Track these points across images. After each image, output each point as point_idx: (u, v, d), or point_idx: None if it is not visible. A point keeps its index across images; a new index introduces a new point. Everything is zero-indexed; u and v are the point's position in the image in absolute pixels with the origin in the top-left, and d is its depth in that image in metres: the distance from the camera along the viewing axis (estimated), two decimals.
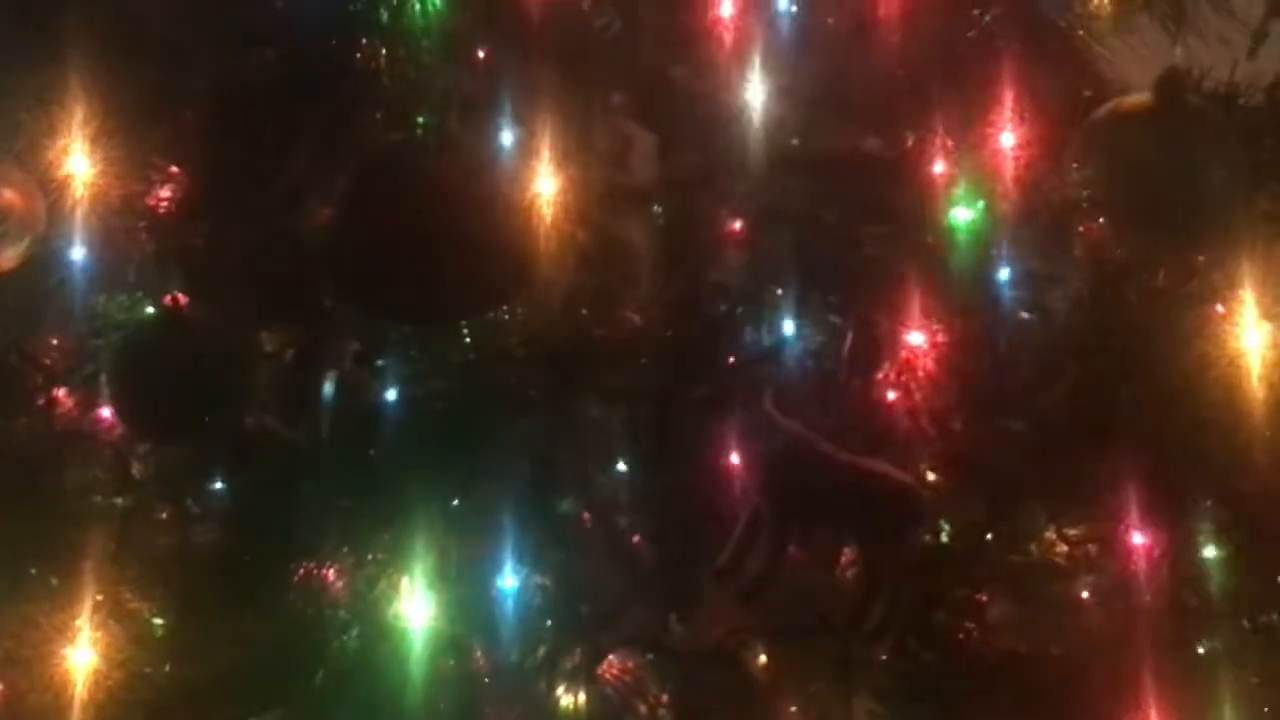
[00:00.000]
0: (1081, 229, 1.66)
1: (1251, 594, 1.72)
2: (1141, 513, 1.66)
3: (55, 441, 1.81)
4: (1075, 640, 1.70)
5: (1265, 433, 1.61)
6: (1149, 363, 1.66)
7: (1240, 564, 1.70)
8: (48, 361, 1.82)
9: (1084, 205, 1.63)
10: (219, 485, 1.71)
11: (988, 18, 1.73)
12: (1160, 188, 1.60)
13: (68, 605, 1.67)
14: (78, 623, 1.66)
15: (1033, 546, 1.74)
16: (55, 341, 1.82)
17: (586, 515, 1.73)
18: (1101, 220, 1.63)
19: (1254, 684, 1.69)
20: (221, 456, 1.68)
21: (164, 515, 1.78)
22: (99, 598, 1.67)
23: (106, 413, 1.78)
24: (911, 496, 1.59)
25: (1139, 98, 1.62)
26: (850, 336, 1.64)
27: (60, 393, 1.82)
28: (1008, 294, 1.69)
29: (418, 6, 1.55)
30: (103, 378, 1.76)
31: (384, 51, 1.56)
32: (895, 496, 1.57)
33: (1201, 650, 1.71)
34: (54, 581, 1.70)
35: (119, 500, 1.79)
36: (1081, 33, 1.78)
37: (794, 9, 1.73)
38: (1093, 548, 1.72)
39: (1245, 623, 1.73)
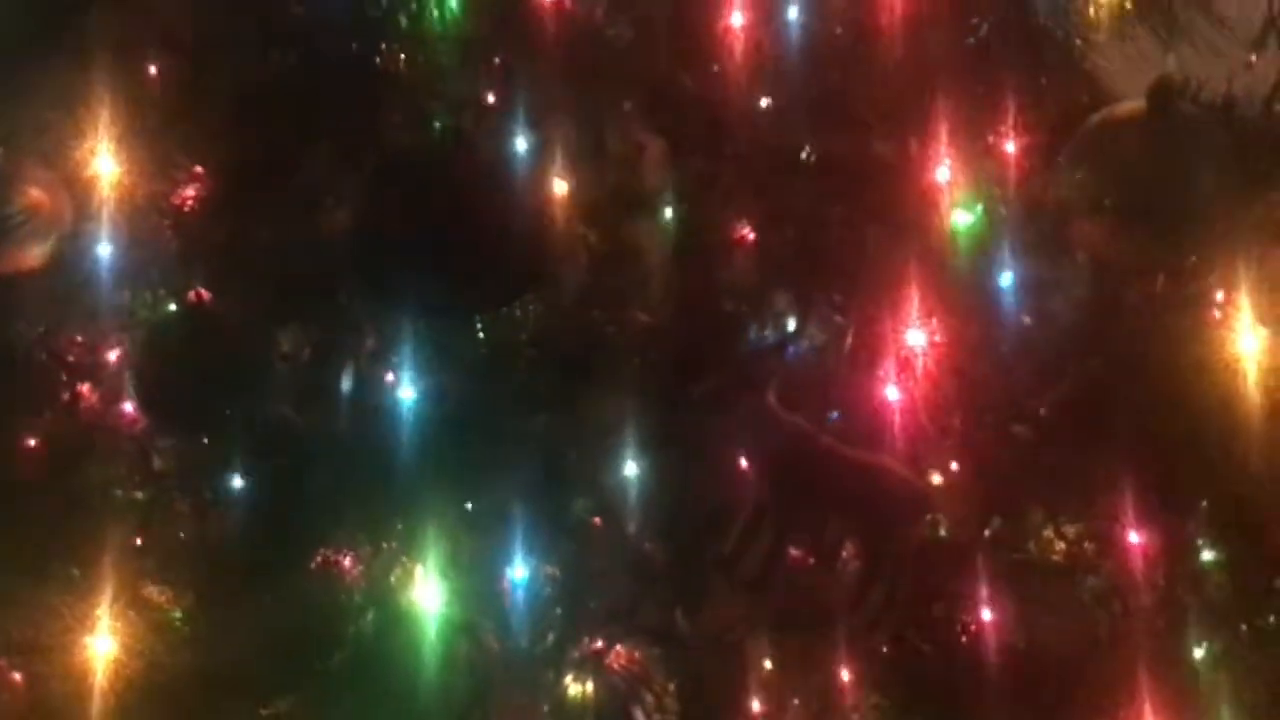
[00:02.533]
0: (1080, 234, 1.68)
1: (1248, 597, 1.73)
2: (1139, 513, 1.68)
3: (78, 436, 1.82)
4: (1072, 638, 1.71)
5: (1260, 435, 1.62)
6: (1146, 366, 1.67)
7: (1236, 567, 1.72)
8: (71, 358, 1.84)
9: (1082, 210, 1.65)
10: (237, 478, 1.72)
11: (986, 27, 1.75)
12: (1154, 193, 1.62)
13: (88, 595, 1.69)
14: (98, 612, 1.68)
15: (1031, 545, 1.76)
16: (79, 338, 1.83)
17: (595, 510, 1.75)
18: (1099, 225, 1.65)
19: (1249, 686, 1.70)
20: (242, 449, 1.70)
21: (183, 508, 1.79)
22: (119, 588, 1.69)
23: (129, 408, 1.80)
24: (911, 490, 1.62)
25: (1132, 105, 1.65)
26: (852, 335, 1.67)
27: (84, 388, 1.83)
28: (1008, 296, 1.70)
29: (435, 13, 1.58)
30: (127, 373, 1.78)
31: (403, 56, 1.59)
32: (895, 490, 1.60)
33: (1198, 652, 1.72)
34: (75, 572, 1.72)
35: (139, 494, 1.81)
36: (1078, 42, 1.78)
37: (801, 19, 1.75)
38: (1090, 547, 1.74)
39: (1242, 626, 1.74)
